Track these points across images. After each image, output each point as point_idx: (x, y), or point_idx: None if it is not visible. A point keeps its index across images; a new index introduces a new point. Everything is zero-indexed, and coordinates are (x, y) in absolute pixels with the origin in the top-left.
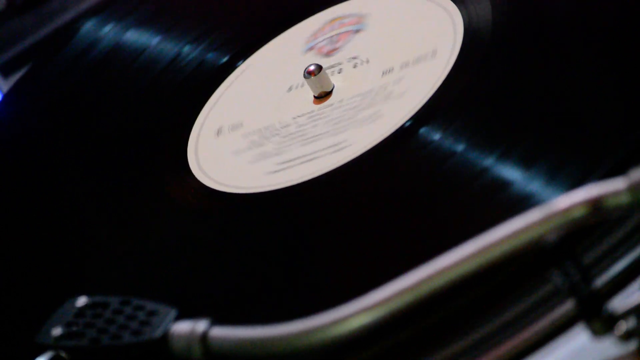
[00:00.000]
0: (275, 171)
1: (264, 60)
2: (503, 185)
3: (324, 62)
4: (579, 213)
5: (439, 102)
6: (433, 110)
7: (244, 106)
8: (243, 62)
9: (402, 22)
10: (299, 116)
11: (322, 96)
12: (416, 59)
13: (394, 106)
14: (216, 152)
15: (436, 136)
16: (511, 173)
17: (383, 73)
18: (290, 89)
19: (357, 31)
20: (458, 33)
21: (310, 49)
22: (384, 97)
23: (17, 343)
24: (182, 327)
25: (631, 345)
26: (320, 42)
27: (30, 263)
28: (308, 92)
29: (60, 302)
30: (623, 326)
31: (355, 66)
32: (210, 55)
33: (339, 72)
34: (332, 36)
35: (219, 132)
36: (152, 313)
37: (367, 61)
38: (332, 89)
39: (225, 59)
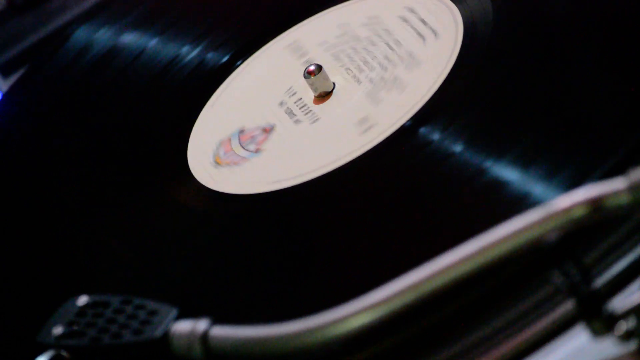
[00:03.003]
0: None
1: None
2: (503, 185)
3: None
4: (579, 213)
5: (439, 102)
6: (433, 110)
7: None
8: (243, 62)
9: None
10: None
11: (322, 96)
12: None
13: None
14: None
15: (436, 136)
16: (511, 173)
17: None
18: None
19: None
20: (458, 32)
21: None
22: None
23: (18, 342)
24: (183, 327)
25: (631, 345)
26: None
27: (30, 263)
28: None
29: (61, 302)
30: (623, 326)
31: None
32: (210, 55)
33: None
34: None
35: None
36: (152, 312)
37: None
38: (332, 89)
39: (225, 59)
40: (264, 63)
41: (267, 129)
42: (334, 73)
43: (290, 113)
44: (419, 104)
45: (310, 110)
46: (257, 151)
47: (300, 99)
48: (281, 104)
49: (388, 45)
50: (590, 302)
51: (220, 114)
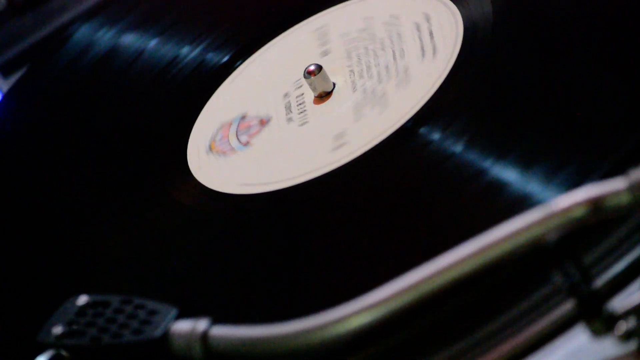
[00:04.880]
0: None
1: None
2: (503, 185)
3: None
4: (579, 213)
5: (439, 102)
6: (433, 110)
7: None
8: (242, 62)
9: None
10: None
11: (322, 96)
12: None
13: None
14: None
15: (436, 136)
16: (511, 173)
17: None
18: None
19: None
20: (459, 32)
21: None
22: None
23: (18, 342)
24: (183, 326)
25: (631, 345)
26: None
27: (30, 263)
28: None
29: (61, 301)
30: (623, 326)
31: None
32: (210, 55)
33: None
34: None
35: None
36: (152, 312)
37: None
38: (332, 89)
39: (225, 59)
40: (288, 45)
41: (264, 121)
42: (339, 72)
43: (288, 108)
44: (392, 129)
45: (305, 110)
46: (246, 144)
47: (303, 94)
48: (285, 95)
49: (394, 53)
50: (590, 302)
51: (236, 92)
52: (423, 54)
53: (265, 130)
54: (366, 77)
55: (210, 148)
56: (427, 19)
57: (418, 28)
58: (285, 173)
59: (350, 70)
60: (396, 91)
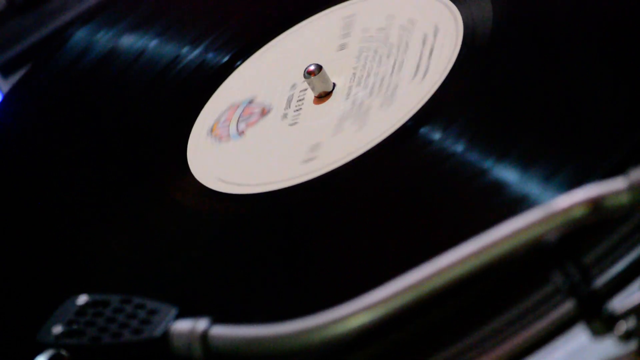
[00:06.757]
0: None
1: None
2: (503, 185)
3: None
4: (579, 213)
5: (439, 102)
6: (433, 110)
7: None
8: (242, 62)
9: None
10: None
11: (322, 96)
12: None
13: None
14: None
15: (436, 136)
16: (511, 173)
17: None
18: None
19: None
20: (458, 32)
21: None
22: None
23: (18, 342)
24: (183, 326)
25: (631, 345)
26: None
27: (30, 263)
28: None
29: (60, 301)
30: (623, 326)
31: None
32: (210, 55)
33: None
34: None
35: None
36: (152, 312)
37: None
38: (332, 89)
39: (225, 59)
40: (319, 26)
41: (265, 111)
42: (344, 71)
43: (288, 102)
44: (362, 150)
45: (301, 109)
46: (241, 134)
47: (306, 89)
48: (292, 87)
49: (394, 65)
50: (590, 302)
51: (255, 72)
52: (415, 74)
53: (262, 122)
54: (362, 85)
55: (212, 130)
56: (435, 32)
57: (424, 41)
58: (260, 177)
59: (354, 73)
60: (378, 110)
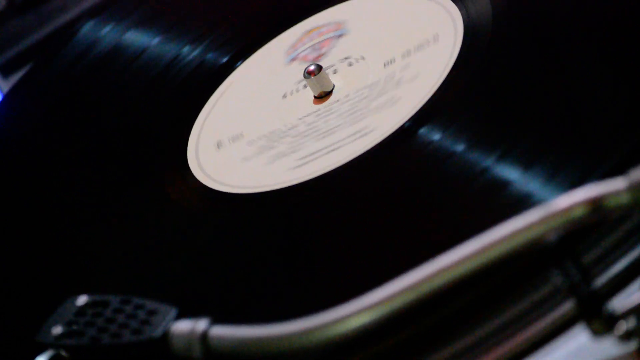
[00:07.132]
0: (298, 166)
1: (247, 76)
2: (503, 185)
3: None
4: (579, 213)
5: (439, 102)
6: (433, 110)
7: (239, 118)
8: (242, 62)
9: (390, 21)
10: (304, 116)
11: (322, 96)
12: (417, 46)
13: (409, 88)
14: (222, 161)
15: (436, 136)
16: (511, 173)
17: (385, 64)
18: (284, 95)
19: (339, 36)
20: (458, 32)
21: (293, 59)
22: (394, 84)
23: (18, 342)
24: (183, 326)
25: (631, 345)
26: (302, 51)
27: (30, 263)
28: (305, 95)
29: (60, 301)
30: (623, 326)
31: (350, 64)
32: (210, 55)
33: (334, 73)
34: (313, 45)
35: (219, 145)
36: (152, 312)
37: (363, 58)
38: (332, 89)
39: (225, 59)
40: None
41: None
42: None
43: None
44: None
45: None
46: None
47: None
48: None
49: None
50: (590, 302)
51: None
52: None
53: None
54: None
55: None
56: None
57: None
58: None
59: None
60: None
